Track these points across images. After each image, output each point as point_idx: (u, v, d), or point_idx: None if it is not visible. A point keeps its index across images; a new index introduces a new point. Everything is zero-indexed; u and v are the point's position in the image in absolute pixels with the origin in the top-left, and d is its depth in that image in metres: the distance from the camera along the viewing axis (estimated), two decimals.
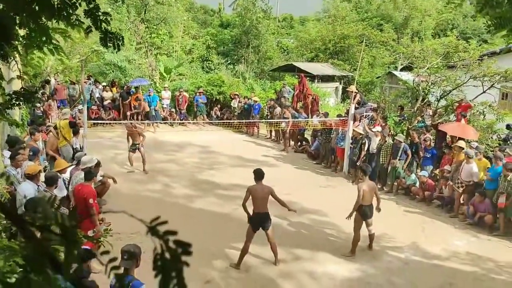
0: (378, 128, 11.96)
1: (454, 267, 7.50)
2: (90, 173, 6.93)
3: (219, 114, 18.84)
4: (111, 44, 3.51)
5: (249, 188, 6.88)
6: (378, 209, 7.75)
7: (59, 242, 1.07)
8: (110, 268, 1.09)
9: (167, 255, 0.95)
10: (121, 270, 4.09)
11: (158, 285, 0.97)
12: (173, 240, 0.95)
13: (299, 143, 15.60)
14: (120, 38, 3.55)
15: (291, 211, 7.34)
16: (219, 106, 19.33)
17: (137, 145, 11.52)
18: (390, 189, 11.42)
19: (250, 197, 6.83)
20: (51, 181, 6.65)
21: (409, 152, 11.11)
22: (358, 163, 11.65)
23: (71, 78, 18.68)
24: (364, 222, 7.61)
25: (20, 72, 4.80)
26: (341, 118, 13.30)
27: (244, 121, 16.78)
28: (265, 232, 6.94)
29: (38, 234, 1.07)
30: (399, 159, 11.12)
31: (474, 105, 13.02)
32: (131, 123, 11.65)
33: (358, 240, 7.61)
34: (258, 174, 6.98)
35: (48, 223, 1.05)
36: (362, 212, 7.53)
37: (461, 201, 9.93)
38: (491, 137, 12.60)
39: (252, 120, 16.86)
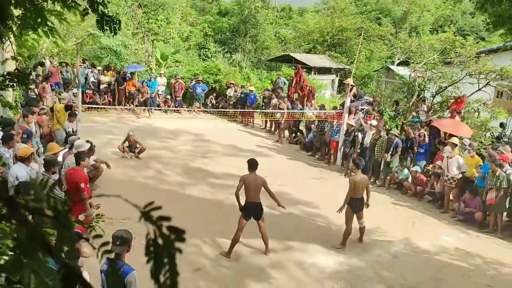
0: (373, 122, 11.96)
1: (443, 262, 7.58)
2: (78, 157, 6.88)
3: (214, 103, 18.77)
4: (107, 28, 3.47)
5: (242, 177, 6.90)
6: (367, 205, 7.79)
7: (50, 225, 1.06)
8: (103, 252, 1.08)
9: (159, 240, 0.94)
10: (113, 255, 4.09)
11: (150, 272, 0.97)
12: (167, 226, 0.94)
13: (293, 135, 15.60)
14: (117, 22, 3.51)
15: (280, 206, 7.27)
16: (214, 94, 19.23)
17: (134, 148, 11.64)
18: (382, 183, 11.47)
19: (243, 187, 6.84)
20: (49, 165, 6.60)
21: (399, 148, 11.14)
22: (350, 155, 11.69)
23: (64, 60, 18.45)
24: (355, 215, 7.66)
25: (14, 53, 4.74)
26: (337, 111, 13.30)
27: (239, 110, 16.74)
28: (256, 222, 6.97)
29: (30, 217, 1.06)
30: (391, 154, 11.16)
31: (469, 102, 13.06)
32: (132, 131, 11.62)
33: (350, 232, 7.65)
34: (252, 164, 6.99)
35: (41, 207, 1.04)
36: (353, 205, 7.57)
37: (451, 198, 10.01)
38: (485, 135, 12.66)
39: (247, 110, 16.82)
